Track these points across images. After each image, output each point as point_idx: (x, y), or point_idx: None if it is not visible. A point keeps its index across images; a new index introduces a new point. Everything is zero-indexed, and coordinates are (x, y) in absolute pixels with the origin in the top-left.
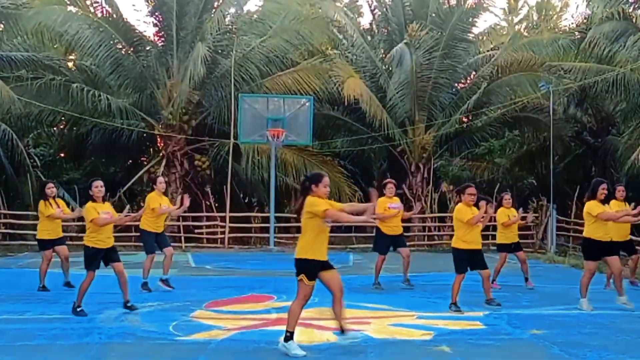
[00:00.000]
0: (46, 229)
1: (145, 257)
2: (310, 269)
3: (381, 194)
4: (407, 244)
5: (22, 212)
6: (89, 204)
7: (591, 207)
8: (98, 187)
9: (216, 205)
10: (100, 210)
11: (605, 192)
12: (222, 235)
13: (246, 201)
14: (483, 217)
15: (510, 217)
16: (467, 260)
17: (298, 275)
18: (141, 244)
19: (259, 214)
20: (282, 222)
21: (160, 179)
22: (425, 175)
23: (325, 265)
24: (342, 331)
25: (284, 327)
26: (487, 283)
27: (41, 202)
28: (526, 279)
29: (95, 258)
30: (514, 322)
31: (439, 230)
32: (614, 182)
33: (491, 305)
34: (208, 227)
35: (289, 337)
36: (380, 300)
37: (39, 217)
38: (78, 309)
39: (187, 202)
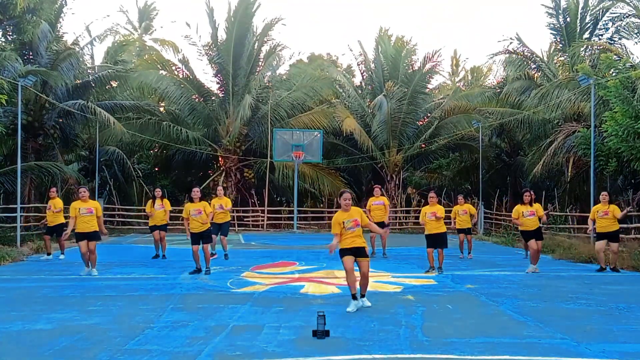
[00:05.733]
0: (152, 219)
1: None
2: (342, 253)
3: (371, 194)
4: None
5: (129, 207)
6: (187, 204)
7: (514, 209)
8: (195, 192)
9: (258, 202)
10: (192, 208)
11: (528, 196)
12: (262, 222)
13: (278, 199)
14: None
15: (459, 213)
16: (433, 240)
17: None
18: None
19: (286, 208)
20: (302, 214)
21: (220, 188)
22: (397, 182)
23: (358, 254)
24: (360, 296)
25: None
26: (441, 256)
27: (149, 202)
28: (469, 252)
29: (194, 237)
30: (456, 280)
31: (405, 219)
32: (521, 187)
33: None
34: (253, 216)
35: (353, 297)
36: None
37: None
38: (194, 269)
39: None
